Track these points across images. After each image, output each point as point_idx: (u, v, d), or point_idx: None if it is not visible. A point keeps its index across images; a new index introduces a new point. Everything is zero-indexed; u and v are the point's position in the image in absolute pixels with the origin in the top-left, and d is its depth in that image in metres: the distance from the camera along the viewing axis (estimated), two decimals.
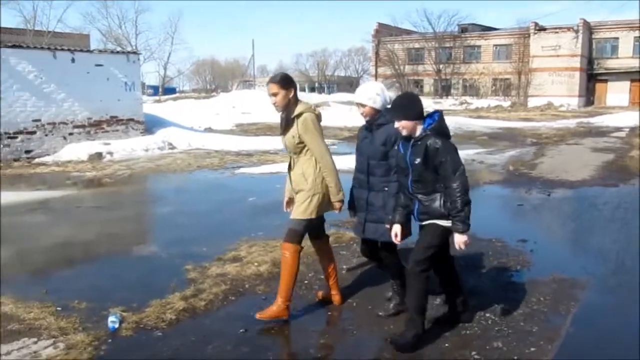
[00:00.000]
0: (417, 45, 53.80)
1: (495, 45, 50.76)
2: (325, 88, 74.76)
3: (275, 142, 18.23)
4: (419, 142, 3.72)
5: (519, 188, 10.26)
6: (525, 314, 4.44)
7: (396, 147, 3.96)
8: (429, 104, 40.80)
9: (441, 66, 51.12)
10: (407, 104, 3.80)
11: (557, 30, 46.50)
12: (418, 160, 3.69)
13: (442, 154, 3.62)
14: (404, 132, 3.76)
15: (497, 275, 5.37)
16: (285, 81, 4.18)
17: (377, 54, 55.60)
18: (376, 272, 5.41)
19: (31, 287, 5.10)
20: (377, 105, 4.12)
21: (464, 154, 14.89)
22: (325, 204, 4.25)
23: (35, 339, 4.01)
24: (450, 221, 3.68)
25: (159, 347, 3.89)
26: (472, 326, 4.20)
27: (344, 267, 5.57)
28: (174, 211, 8.49)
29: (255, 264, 5.55)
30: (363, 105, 4.16)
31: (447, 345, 3.91)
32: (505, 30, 52.75)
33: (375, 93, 4.13)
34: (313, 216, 4.19)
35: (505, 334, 4.07)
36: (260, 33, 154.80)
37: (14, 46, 15.74)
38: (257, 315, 4.20)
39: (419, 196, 3.79)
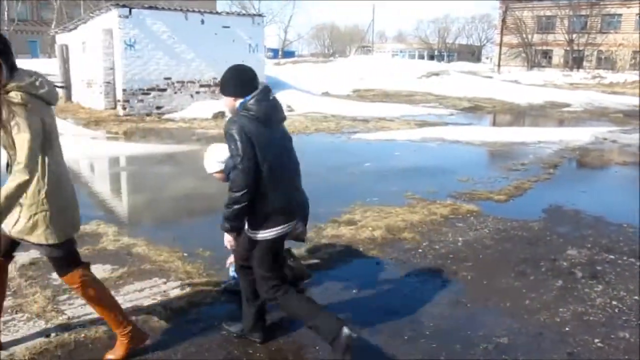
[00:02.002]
0: (548, 13, 50.26)
1: (639, 14, 46.22)
2: (445, 56, 72.46)
3: (391, 109, 18.07)
4: None
5: None
6: None
7: None
8: (557, 77, 38.29)
9: (574, 36, 47.46)
10: (224, 78, 3.22)
11: None
12: None
13: (228, 141, 3.01)
14: (228, 112, 3.21)
15: (627, 262, 4.99)
16: None
17: (503, 21, 52.66)
18: (492, 249, 5.25)
19: (160, 232, 5.49)
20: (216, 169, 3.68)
21: (596, 131, 13.88)
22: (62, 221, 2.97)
23: (164, 280, 4.34)
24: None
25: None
26: (597, 313, 3.95)
27: (460, 238, 5.44)
28: None
29: (370, 228, 5.57)
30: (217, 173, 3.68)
31: (567, 329, 3.71)
32: None
33: (215, 160, 3.66)
34: (61, 240, 2.98)
35: (633, 325, 3.79)
36: None
37: (150, 7, 16.72)
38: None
39: None
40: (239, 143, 2.97)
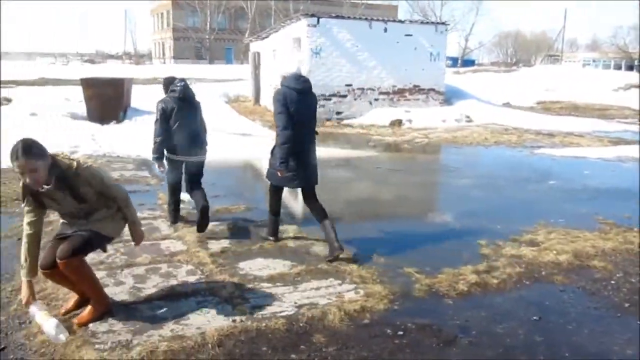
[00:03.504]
0: None
1: None
2: None
3: (581, 124, 16.71)
4: None
5: None
6: None
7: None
8: None
9: None
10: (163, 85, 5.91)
11: None
12: None
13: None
14: None
15: None
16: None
17: None
18: None
19: (337, 233, 5.63)
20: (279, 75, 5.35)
21: None
22: None
23: (339, 281, 4.45)
24: None
25: (448, 315, 3.95)
26: None
27: None
28: (468, 183, 8.46)
29: (554, 251, 5.18)
30: None
31: None
32: None
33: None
34: None
35: None
36: (574, 2, 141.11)
37: (337, 17, 17.39)
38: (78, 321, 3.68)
39: None
40: (157, 112, 5.56)
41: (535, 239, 5.61)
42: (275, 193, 5.35)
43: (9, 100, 15.79)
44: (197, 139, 5.69)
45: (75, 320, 3.66)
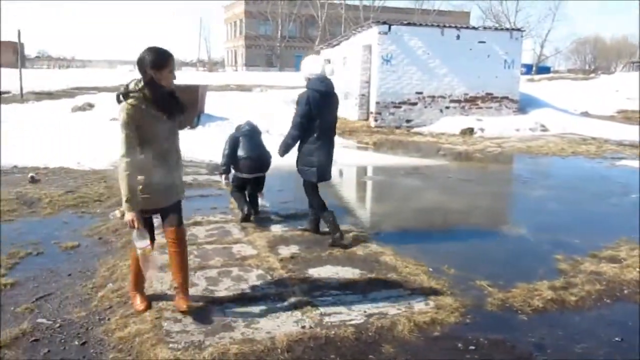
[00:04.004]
0: None
1: None
2: None
3: None
4: None
5: None
6: None
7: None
8: None
9: None
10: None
11: None
12: None
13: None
14: None
15: None
16: None
17: None
18: None
19: (406, 243, 5.58)
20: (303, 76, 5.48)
21: None
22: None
23: (409, 292, 4.38)
24: None
25: (522, 331, 3.80)
26: None
27: None
28: (543, 195, 8.16)
29: (638, 269, 4.90)
30: None
31: None
32: None
33: (306, 71, 5.46)
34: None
35: None
36: None
37: (408, 24, 17.27)
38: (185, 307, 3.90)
39: None
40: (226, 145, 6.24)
41: (616, 255, 5.33)
42: (310, 189, 5.56)
43: (91, 106, 16.64)
44: (258, 161, 6.28)
45: (181, 309, 3.88)
